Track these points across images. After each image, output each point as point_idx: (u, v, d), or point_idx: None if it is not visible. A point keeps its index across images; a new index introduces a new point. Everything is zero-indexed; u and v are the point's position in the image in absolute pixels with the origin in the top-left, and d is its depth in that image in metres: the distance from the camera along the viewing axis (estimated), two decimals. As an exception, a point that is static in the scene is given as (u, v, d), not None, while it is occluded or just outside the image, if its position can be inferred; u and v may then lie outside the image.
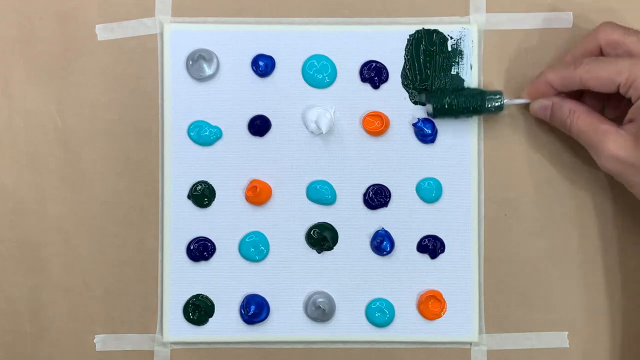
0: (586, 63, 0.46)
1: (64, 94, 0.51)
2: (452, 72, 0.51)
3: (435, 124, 0.51)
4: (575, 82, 0.46)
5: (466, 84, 0.51)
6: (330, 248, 0.51)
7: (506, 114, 0.51)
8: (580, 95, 0.49)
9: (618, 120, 0.47)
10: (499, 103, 0.49)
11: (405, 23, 0.51)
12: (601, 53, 0.47)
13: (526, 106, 0.51)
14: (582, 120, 0.47)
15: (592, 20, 0.51)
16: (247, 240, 0.51)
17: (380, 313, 0.51)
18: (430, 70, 0.51)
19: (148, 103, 0.51)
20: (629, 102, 0.46)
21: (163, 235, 0.51)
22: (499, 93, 0.49)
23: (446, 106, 0.49)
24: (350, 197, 0.51)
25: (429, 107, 0.50)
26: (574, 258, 0.51)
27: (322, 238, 0.51)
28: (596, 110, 0.48)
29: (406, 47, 0.51)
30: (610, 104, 0.49)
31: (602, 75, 0.45)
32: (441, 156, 0.51)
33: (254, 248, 0.51)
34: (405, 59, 0.51)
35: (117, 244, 0.51)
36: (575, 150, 0.51)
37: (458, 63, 0.51)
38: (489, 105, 0.49)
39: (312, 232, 0.51)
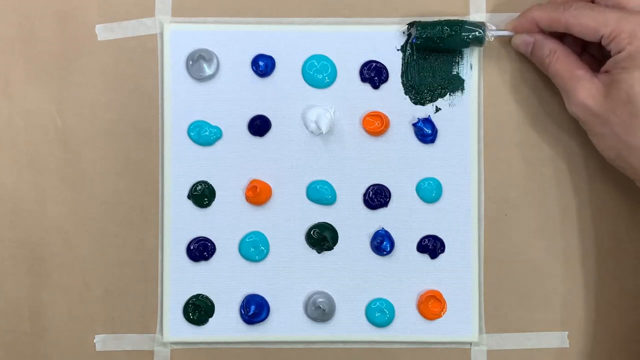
0: (575, 8, 0.46)
1: (64, 94, 0.51)
2: (452, 72, 0.51)
3: (435, 124, 0.51)
4: (560, 24, 0.46)
5: (466, 84, 0.51)
6: (330, 248, 0.51)
7: (508, 113, 0.51)
8: (562, 34, 0.48)
9: (594, 67, 0.47)
10: (481, 33, 0.49)
11: (405, 23, 0.51)
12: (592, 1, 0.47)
13: (527, 102, 0.51)
14: (560, 62, 0.47)
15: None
16: (247, 240, 0.51)
17: (380, 313, 0.51)
18: (430, 70, 0.51)
19: (148, 103, 0.51)
20: (608, 54, 0.46)
21: (163, 235, 0.51)
22: (482, 24, 0.49)
23: (429, 34, 0.49)
24: (350, 197, 0.51)
25: (413, 33, 0.50)
26: (573, 258, 0.51)
27: (322, 238, 0.51)
28: (575, 53, 0.48)
29: (406, 47, 0.51)
30: (590, 50, 0.49)
31: (588, 23, 0.45)
32: (441, 156, 0.51)
33: (254, 248, 0.51)
34: (405, 59, 0.51)
35: (117, 244, 0.51)
36: (576, 151, 0.51)
37: (458, 63, 0.51)
38: (471, 36, 0.49)
39: (312, 232, 0.51)
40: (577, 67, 0.47)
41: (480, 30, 0.49)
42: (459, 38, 0.49)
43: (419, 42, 0.49)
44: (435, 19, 0.50)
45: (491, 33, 0.49)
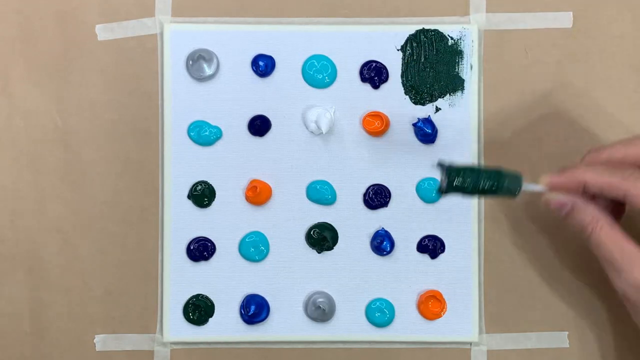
0: (637, 179, 0.41)
1: (64, 94, 0.51)
2: (452, 72, 0.51)
3: (435, 124, 0.51)
4: (619, 192, 0.41)
5: (466, 84, 0.51)
6: (330, 248, 0.51)
7: (508, 112, 0.51)
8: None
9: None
10: (517, 190, 0.43)
11: (405, 23, 0.51)
12: None
13: (527, 101, 0.51)
14: (606, 233, 0.42)
15: (592, 20, 0.51)
16: (247, 240, 0.51)
17: (380, 313, 0.51)
18: (430, 70, 0.51)
19: (148, 103, 0.51)
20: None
21: (163, 235, 0.51)
22: (519, 178, 0.44)
23: (459, 184, 0.43)
24: (350, 197, 0.51)
25: (443, 181, 0.43)
26: (573, 258, 0.51)
27: (322, 238, 0.51)
28: (606, 208, 0.44)
29: (406, 47, 0.51)
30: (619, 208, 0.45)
31: None
32: (441, 156, 0.51)
33: (254, 248, 0.51)
34: (405, 59, 0.51)
35: (117, 244, 0.51)
36: (576, 149, 0.51)
37: (458, 63, 0.51)
38: (505, 190, 0.43)
39: (312, 232, 0.51)
40: (626, 241, 0.42)
41: (518, 188, 0.43)
42: (493, 193, 0.44)
43: (446, 190, 0.43)
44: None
45: (525, 188, 0.44)
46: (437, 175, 0.44)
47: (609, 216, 0.43)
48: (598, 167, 0.43)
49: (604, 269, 0.43)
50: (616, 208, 0.44)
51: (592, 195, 0.43)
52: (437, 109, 0.51)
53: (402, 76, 0.51)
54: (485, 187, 0.43)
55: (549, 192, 0.44)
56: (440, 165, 0.44)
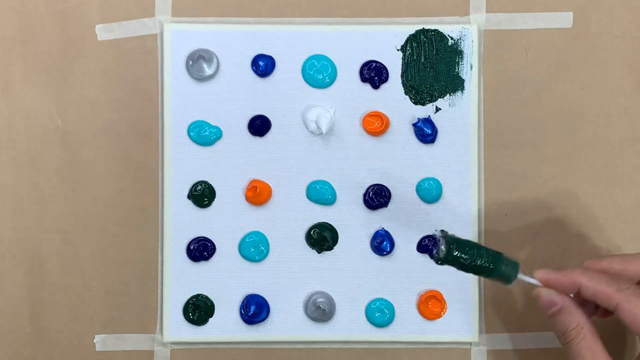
0: (631, 294, 0.41)
1: (64, 94, 0.51)
2: (452, 72, 0.51)
3: (435, 124, 0.51)
4: (611, 304, 0.42)
5: (466, 84, 0.51)
6: (330, 248, 0.51)
7: (508, 111, 0.51)
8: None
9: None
10: (511, 277, 0.43)
11: (405, 23, 0.51)
12: None
13: (527, 102, 0.51)
14: (586, 343, 0.42)
15: (592, 20, 0.51)
16: (247, 240, 0.51)
17: (380, 313, 0.51)
18: (430, 70, 0.51)
19: (148, 103, 0.51)
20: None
21: (163, 235, 0.51)
22: (515, 265, 0.43)
23: (457, 256, 0.43)
24: (350, 197, 0.51)
25: (441, 250, 0.43)
26: (573, 258, 0.51)
27: (322, 238, 0.51)
28: (589, 310, 0.44)
29: (406, 47, 0.51)
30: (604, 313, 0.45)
31: None
32: (441, 156, 0.51)
33: (254, 248, 0.51)
34: (405, 59, 0.51)
35: (117, 244, 0.51)
36: (576, 150, 0.51)
37: (458, 63, 0.51)
38: (500, 274, 0.43)
39: (312, 232, 0.51)
40: (602, 352, 0.42)
41: (513, 275, 0.43)
42: (488, 274, 0.43)
43: (444, 258, 0.43)
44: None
45: (520, 277, 0.44)
46: (437, 243, 0.43)
47: (592, 326, 0.43)
48: (595, 274, 0.43)
49: None
50: (604, 311, 0.44)
51: (582, 301, 0.43)
52: (437, 109, 0.51)
53: (402, 76, 0.51)
54: (482, 265, 0.43)
55: (541, 287, 0.44)
56: (443, 234, 0.43)
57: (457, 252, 0.43)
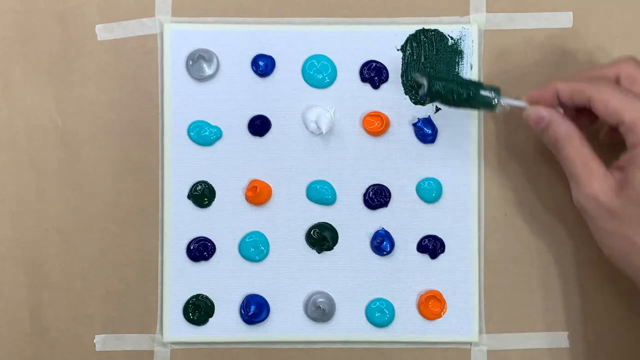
0: (602, 85, 0.44)
1: (64, 94, 0.51)
2: (452, 72, 0.51)
3: (435, 124, 0.51)
4: (583, 97, 0.44)
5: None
6: (330, 248, 0.51)
7: (509, 112, 0.51)
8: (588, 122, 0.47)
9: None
10: (493, 99, 0.46)
11: (405, 23, 0.51)
12: (617, 83, 0.45)
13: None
14: (575, 148, 0.44)
15: (592, 20, 0.51)
16: (247, 240, 0.51)
17: (380, 313, 0.51)
18: (430, 70, 0.51)
19: (148, 103, 0.51)
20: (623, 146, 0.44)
21: (163, 235, 0.51)
22: (496, 89, 0.46)
23: (440, 89, 0.46)
24: (350, 197, 0.51)
25: (424, 86, 0.46)
26: (573, 258, 0.51)
27: (322, 238, 0.51)
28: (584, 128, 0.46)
29: (406, 47, 0.51)
30: (608, 132, 0.48)
31: (612, 104, 0.43)
32: (441, 156, 0.51)
33: (254, 248, 0.51)
34: (405, 59, 0.51)
35: (117, 244, 0.51)
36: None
37: (458, 63, 0.51)
38: (483, 99, 0.46)
39: (312, 232, 0.51)
40: (592, 157, 0.44)
41: (494, 98, 0.46)
42: (471, 102, 0.46)
43: (428, 98, 0.47)
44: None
45: (505, 102, 0.46)
46: (419, 82, 0.47)
47: (581, 134, 0.45)
48: (571, 77, 0.46)
49: (569, 183, 0.45)
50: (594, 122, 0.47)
51: (571, 117, 0.46)
52: (437, 109, 0.51)
53: (402, 76, 0.51)
54: (463, 94, 0.46)
55: (529, 107, 0.46)
56: (424, 73, 0.47)
57: (437, 86, 0.46)
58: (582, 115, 0.46)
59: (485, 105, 0.46)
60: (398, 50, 0.51)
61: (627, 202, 0.43)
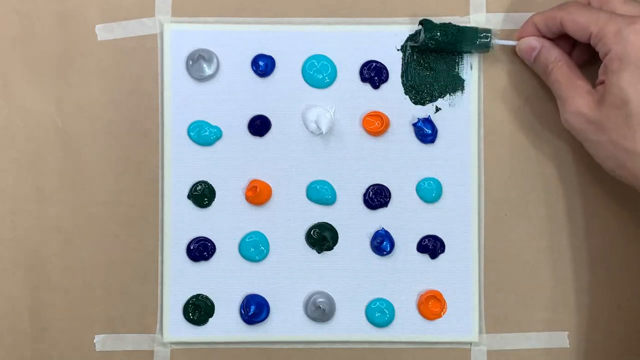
0: (571, 6, 0.47)
1: (64, 94, 0.51)
2: (452, 72, 0.51)
3: (435, 124, 0.51)
4: (556, 23, 0.47)
5: (466, 84, 0.51)
6: (330, 248, 0.51)
7: (509, 112, 0.51)
8: (570, 51, 0.49)
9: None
10: (487, 40, 0.49)
11: (405, 23, 0.51)
12: None
13: (527, 102, 0.51)
14: (563, 71, 0.47)
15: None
16: (247, 240, 0.51)
17: (380, 313, 0.51)
18: (430, 70, 0.51)
19: (148, 103, 0.51)
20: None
21: (163, 235, 0.51)
22: (489, 31, 0.49)
23: (437, 36, 0.49)
24: (350, 197, 0.51)
25: (419, 33, 0.50)
26: (573, 258, 0.51)
27: (322, 238, 0.51)
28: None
29: (406, 47, 0.51)
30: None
31: (579, 20, 0.46)
32: (441, 156, 0.51)
33: (254, 248, 0.51)
34: (405, 59, 0.51)
35: (117, 244, 0.51)
36: (576, 150, 0.51)
37: (458, 63, 0.51)
38: (477, 42, 0.49)
39: (312, 232, 0.51)
40: (578, 77, 0.47)
41: (488, 36, 0.49)
42: (467, 42, 0.49)
43: (427, 42, 0.49)
44: (441, 20, 0.50)
45: (497, 42, 0.49)
46: (415, 30, 0.50)
47: (569, 59, 0.48)
48: (573, 6, 0.47)
49: (558, 106, 0.48)
50: (579, 55, 0.49)
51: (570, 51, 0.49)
52: (437, 109, 0.51)
53: (402, 76, 0.51)
54: (458, 35, 0.49)
55: (520, 40, 0.49)
56: (421, 22, 0.50)
57: (433, 29, 0.49)
58: (562, 44, 0.49)
59: (480, 46, 0.49)
60: (398, 50, 0.51)
61: (609, 108, 0.44)
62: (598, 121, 0.45)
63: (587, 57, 0.49)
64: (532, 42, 0.49)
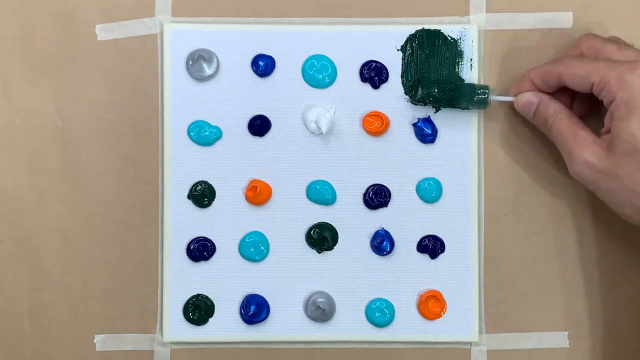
0: (566, 59, 0.47)
1: (64, 94, 0.51)
2: (452, 72, 0.51)
3: (435, 124, 0.51)
4: (554, 77, 0.47)
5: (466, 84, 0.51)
6: (330, 248, 0.51)
7: (508, 112, 0.51)
8: (570, 103, 0.49)
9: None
10: (485, 97, 0.49)
11: (405, 23, 0.51)
12: None
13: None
14: (563, 123, 0.47)
15: (592, 20, 0.51)
16: (247, 240, 0.51)
17: (380, 313, 0.51)
18: (430, 70, 0.51)
19: (148, 103, 0.51)
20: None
21: (163, 235, 0.51)
22: (486, 88, 0.49)
23: (434, 92, 0.50)
24: (350, 197, 0.51)
25: (419, 92, 0.50)
26: (573, 258, 0.51)
27: (322, 238, 0.51)
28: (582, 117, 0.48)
29: (406, 47, 0.51)
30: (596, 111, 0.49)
31: (578, 72, 0.45)
32: (441, 156, 0.51)
33: (254, 248, 0.51)
34: (405, 59, 0.51)
35: (117, 244, 0.51)
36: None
37: (458, 63, 0.51)
38: (475, 99, 0.49)
39: (312, 232, 0.51)
40: (580, 128, 0.46)
41: (486, 92, 0.49)
42: (464, 99, 0.49)
43: (425, 98, 0.50)
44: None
45: (494, 98, 0.49)
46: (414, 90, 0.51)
47: (569, 111, 0.47)
48: (540, 65, 0.48)
49: (563, 158, 0.47)
50: (580, 106, 0.49)
51: (569, 102, 0.49)
52: (437, 109, 0.51)
53: (402, 76, 0.51)
54: (453, 95, 0.49)
55: (518, 96, 0.49)
56: (418, 80, 0.50)
57: (430, 88, 0.50)
58: (562, 97, 0.48)
59: (477, 102, 0.49)
60: (398, 50, 0.51)
61: (618, 156, 0.44)
62: (609, 170, 0.44)
63: (588, 107, 0.49)
64: (530, 97, 0.48)
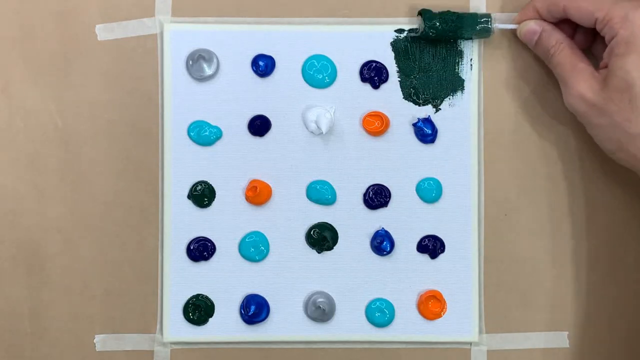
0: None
1: (64, 94, 0.51)
2: (452, 72, 0.51)
3: (435, 124, 0.51)
4: (559, 9, 0.47)
5: (466, 84, 0.51)
6: (330, 248, 0.51)
7: (508, 112, 0.51)
8: (572, 35, 0.49)
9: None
10: (488, 25, 0.49)
11: (405, 23, 0.51)
12: None
13: (527, 102, 0.51)
14: (565, 53, 0.47)
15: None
16: (247, 240, 0.51)
17: (380, 313, 0.51)
18: (430, 70, 0.51)
19: (148, 103, 0.51)
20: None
21: (163, 235, 0.51)
22: (488, 16, 0.49)
23: (436, 25, 0.49)
24: (350, 197, 0.51)
25: (420, 26, 0.50)
26: (573, 258, 0.51)
27: (322, 238, 0.51)
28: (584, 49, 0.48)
29: (406, 47, 0.51)
30: (598, 47, 0.49)
31: (583, 6, 0.46)
32: (441, 156, 0.51)
33: (254, 248, 0.51)
34: (405, 59, 0.51)
35: (117, 244, 0.51)
36: (577, 150, 0.51)
37: (458, 63, 0.51)
38: (478, 27, 0.49)
39: (312, 232, 0.51)
40: (581, 60, 0.47)
41: (488, 20, 0.49)
42: (467, 28, 0.49)
43: (428, 31, 0.49)
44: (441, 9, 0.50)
45: (497, 26, 0.49)
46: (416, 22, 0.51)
47: (571, 42, 0.48)
48: None
49: (562, 90, 0.48)
50: (581, 39, 0.49)
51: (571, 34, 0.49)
52: (437, 109, 0.51)
53: (401, 76, 0.51)
54: (457, 25, 0.49)
55: (521, 24, 0.49)
56: (420, 12, 0.50)
57: (433, 18, 0.49)
58: (564, 27, 0.49)
59: (480, 31, 0.49)
60: (393, 41, 0.51)
61: (612, 91, 0.45)
62: (601, 104, 0.45)
63: (589, 41, 0.49)
64: (533, 25, 0.48)
